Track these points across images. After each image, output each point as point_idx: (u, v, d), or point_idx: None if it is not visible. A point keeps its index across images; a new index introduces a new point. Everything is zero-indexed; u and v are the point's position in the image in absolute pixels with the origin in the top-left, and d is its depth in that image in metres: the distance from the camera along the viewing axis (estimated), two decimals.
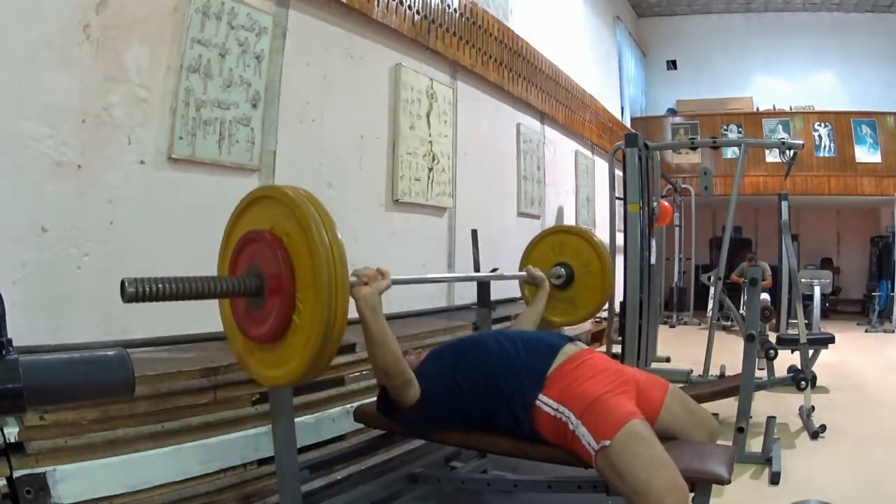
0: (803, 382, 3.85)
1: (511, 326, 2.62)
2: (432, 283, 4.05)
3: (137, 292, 1.31)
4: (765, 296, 6.90)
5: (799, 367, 4.03)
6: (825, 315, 8.07)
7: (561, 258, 2.85)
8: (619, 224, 4.99)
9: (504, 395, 1.78)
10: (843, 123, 9.47)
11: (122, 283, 1.31)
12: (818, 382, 4.39)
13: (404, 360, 1.76)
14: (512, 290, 4.24)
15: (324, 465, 2.17)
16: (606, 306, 5.21)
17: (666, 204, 5.82)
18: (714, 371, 4.51)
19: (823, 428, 3.55)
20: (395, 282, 1.77)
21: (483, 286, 2.78)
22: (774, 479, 2.81)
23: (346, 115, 3.35)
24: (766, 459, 2.99)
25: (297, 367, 1.49)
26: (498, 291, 4.09)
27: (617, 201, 5.63)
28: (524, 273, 2.64)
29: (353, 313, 1.55)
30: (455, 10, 4.25)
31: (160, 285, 1.35)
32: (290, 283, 1.47)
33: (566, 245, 2.88)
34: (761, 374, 4.08)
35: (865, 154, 9.39)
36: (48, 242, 2.03)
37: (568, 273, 2.81)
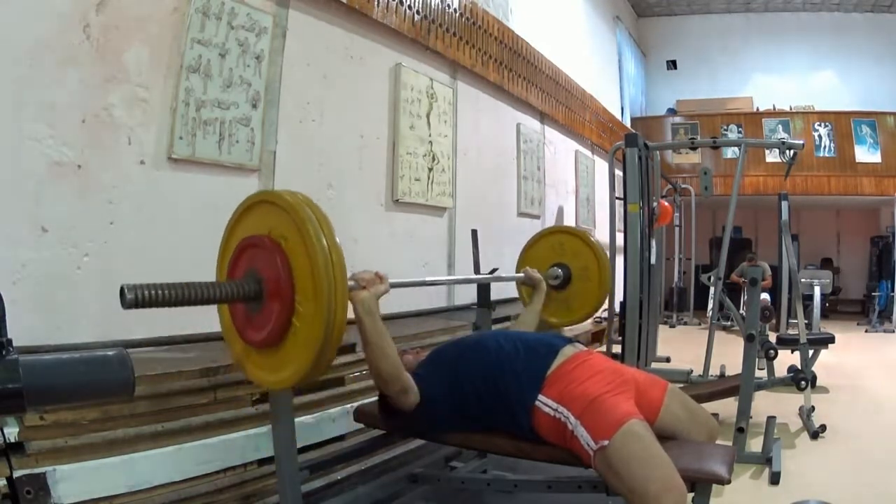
0: (803, 382, 3.85)
1: (510, 328, 2.62)
2: (436, 285, 4.05)
3: (136, 298, 1.31)
4: (765, 296, 6.90)
5: (799, 367, 4.03)
6: (825, 315, 8.07)
7: (558, 259, 2.84)
8: (619, 224, 4.98)
9: (504, 396, 1.79)
10: (843, 123, 9.47)
11: (122, 289, 1.31)
12: (818, 382, 4.39)
13: (402, 366, 1.75)
14: (512, 289, 4.24)
15: (324, 465, 2.17)
16: (606, 306, 5.22)
17: (666, 204, 5.81)
18: (714, 371, 4.51)
19: (823, 428, 3.55)
20: (394, 285, 1.78)
21: (483, 286, 2.78)
22: (774, 479, 2.81)
23: (346, 115, 3.35)
24: (766, 459, 2.99)
25: (296, 371, 1.49)
26: (498, 291, 4.09)
27: (617, 201, 5.62)
28: (521, 275, 2.64)
29: (351, 314, 1.55)
30: (455, 10, 4.25)
31: (159, 291, 1.34)
32: (289, 288, 1.46)
33: (564, 246, 2.86)
34: (761, 374, 4.08)
35: (865, 154, 9.39)
36: (48, 242, 2.03)
37: (565, 274, 2.80)
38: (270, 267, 1.49)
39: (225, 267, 1.66)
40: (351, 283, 1.63)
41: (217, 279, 1.69)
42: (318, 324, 1.41)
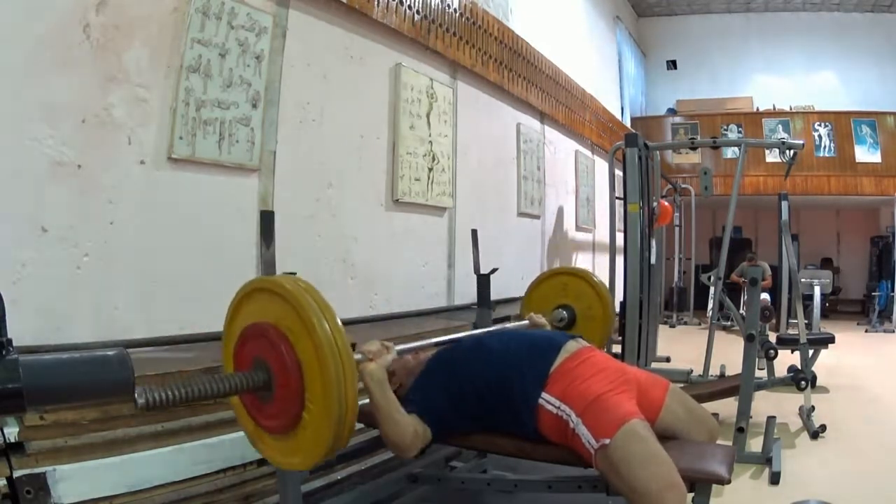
0: (803, 382, 3.85)
1: None
2: (432, 281, 4.05)
3: (147, 403, 1.30)
4: (765, 296, 6.89)
5: (799, 367, 4.03)
6: (825, 315, 8.07)
7: (562, 300, 2.87)
8: (619, 224, 4.99)
9: (507, 395, 1.78)
10: (843, 123, 9.47)
11: (133, 390, 1.30)
12: (818, 382, 4.39)
13: (413, 430, 1.74)
14: (512, 289, 4.25)
15: (324, 465, 2.17)
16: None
17: (666, 204, 5.82)
18: (714, 371, 4.51)
19: (823, 428, 3.55)
20: (401, 352, 1.81)
21: (483, 284, 2.79)
22: (774, 479, 2.81)
23: (346, 115, 3.35)
24: (766, 459, 2.99)
25: (310, 456, 1.49)
26: (498, 291, 4.09)
27: (617, 201, 5.63)
28: (526, 322, 2.65)
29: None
30: (455, 10, 4.25)
31: (170, 392, 1.35)
32: (298, 378, 1.45)
33: (568, 287, 2.91)
34: (761, 374, 4.08)
35: (865, 154, 9.39)
36: (48, 242, 2.03)
37: (570, 315, 2.84)
38: (278, 357, 1.48)
39: (230, 355, 1.64)
40: (358, 356, 1.64)
41: (223, 368, 1.68)
42: (329, 415, 1.40)
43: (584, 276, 2.94)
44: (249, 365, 1.55)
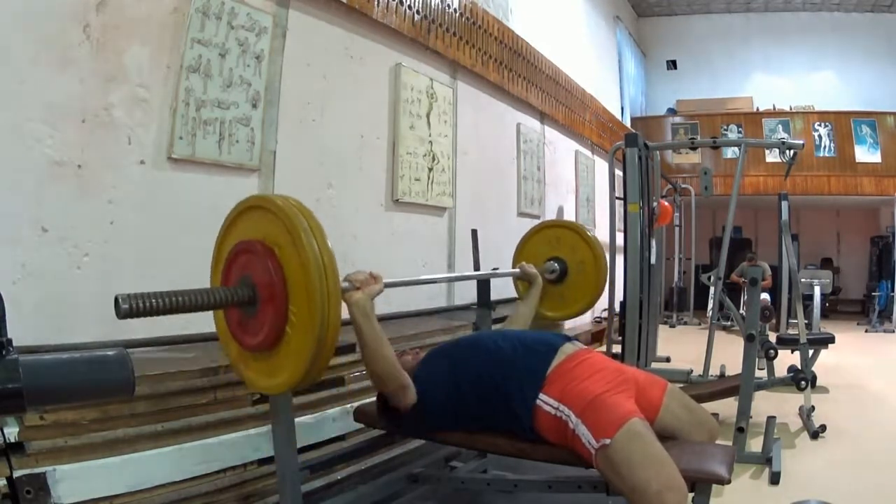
0: (803, 382, 3.85)
1: (505, 323, 2.62)
2: (432, 283, 4.05)
3: (131, 308, 1.32)
4: (765, 296, 6.89)
5: (799, 367, 4.03)
6: (825, 315, 8.07)
7: (555, 253, 2.83)
8: (619, 224, 4.99)
9: (504, 396, 1.78)
10: (843, 123, 9.47)
11: (116, 299, 1.32)
12: (818, 382, 4.39)
13: (399, 365, 1.76)
14: (512, 290, 4.24)
15: (324, 465, 2.17)
16: (606, 305, 5.22)
17: (666, 204, 5.82)
18: (714, 371, 4.51)
19: (823, 428, 3.55)
20: (388, 285, 1.79)
21: (483, 286, 2.78)
22: (774, 479, 2.81)
23: (346, 115, 3.35)
24: (766, 459, 2.99)
25: (290, 377, 1.50)
26: (498, 291, 4.09)
27: (617, 201, 5.62)
28: (517, 270, 2.64)
29: (346, 314, 1.55)
30: (455, 10, 4.25)
31: (153, 300, 1.35)
32: (283, 294, 1.47)
33: (561, 240, 2.86)
34: (761, 374, 4.08)
35: (865, 154, 9.39)
36: (48, 242, 2.03)
37: (562, 268, 2.79)
38: (264, 272, 1.49)
39: (219, 272, 1.66)
40: (345, 284, 1.63)
41: (211, 284, 1.69)
42: (311, 331, 1.42)
43: (576, 229, 2.90)
44: (236, 283, 1.56)
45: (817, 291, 6.99)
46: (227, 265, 1.62)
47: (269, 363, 1.56)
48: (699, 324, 8.94)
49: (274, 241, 1.50)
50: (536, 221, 5.71)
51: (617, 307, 5.01)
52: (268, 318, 1.50)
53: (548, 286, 2.73)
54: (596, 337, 6.24)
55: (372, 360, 1.71)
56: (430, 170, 4.00)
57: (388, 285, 1.78)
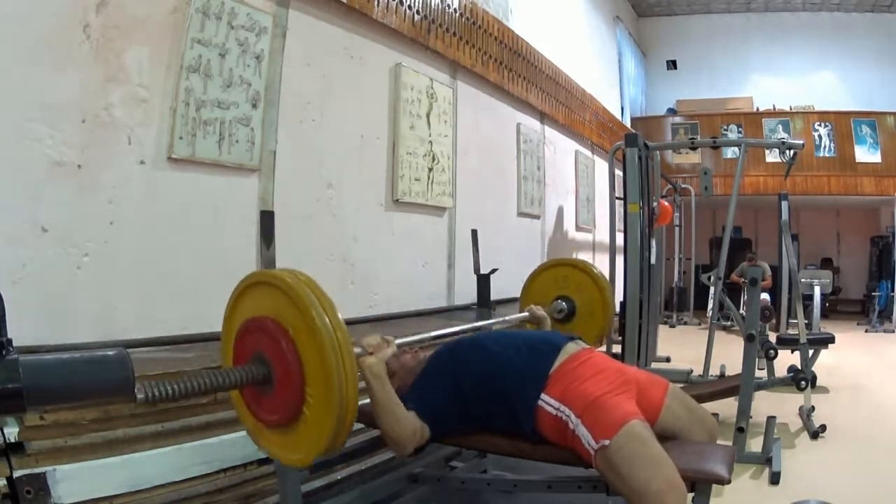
0: (803, 382, 3.85)
1: None
2: (432, 281, 4.05)
3: (147, 397, 1.30)
4: (765, 296, 6.90)
5: (799, 367, 4.03)
6: (825, 315, 8.07)
7: (562, 292, 2.86)
8: (619, 224, 4.99)
9: (505, 396, 1.78)
10: (843, 123, 9.47)
11: (133, 389, 1.30)
12: (818, 382, 4.39)
13: (409, 420, 1.73)
14: (512, 290, 4.24)
15: (324, 465, 2.16)
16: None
17: (666, 204, 5.81)
18: (714, 371, 4.51)
19: (823, 428, 3.55)
20: (401, 345, 1.82)
21: (482, 285, 2.78)
22: (774, 479, 2.81)
23: (346, 115, 3.35)
24: (766, 459, 2.99)
25: (310, 452, 1.49)
26: (498, 291, 4.09)
27: (617, 201, 5.63)
28: (526, 314, 2.64)
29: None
30: (455, 10, 4.25)
31: (170, 388, 1.34)
32: (299, 375, 1.45)
33: (568, 279, 2.90)
34: (761, 374, 4.08)
35: (865, 154, 9.39)
36: (48, 242, 2.03)
37: (569, 307, 2.82)
38: (278, 351, 1.47)
39: (230, 348, 1.63)
40: (357, 350, 1.64)
41: (223, 362, 1.68)
42: (331, 412, 1.40)
43: (584, 268, 2.92)
44: (249, 359, 1.54)
45: (817, 291, 6.99)
46: (237, 341, 1.60)
47: (286, 438, 1.54)
48: (699, 324, 8.93)
49: (285, 319, 1.47)
50: (536, 222, 5.73)
51: (617, 307, 5.01)
52: (284, 399, 1.48)
53: (555, 325, 2.76)
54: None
55: (386, 423, 1.70)
56: (430, 170, 4.00)
57: (400, 345, 1.81)
